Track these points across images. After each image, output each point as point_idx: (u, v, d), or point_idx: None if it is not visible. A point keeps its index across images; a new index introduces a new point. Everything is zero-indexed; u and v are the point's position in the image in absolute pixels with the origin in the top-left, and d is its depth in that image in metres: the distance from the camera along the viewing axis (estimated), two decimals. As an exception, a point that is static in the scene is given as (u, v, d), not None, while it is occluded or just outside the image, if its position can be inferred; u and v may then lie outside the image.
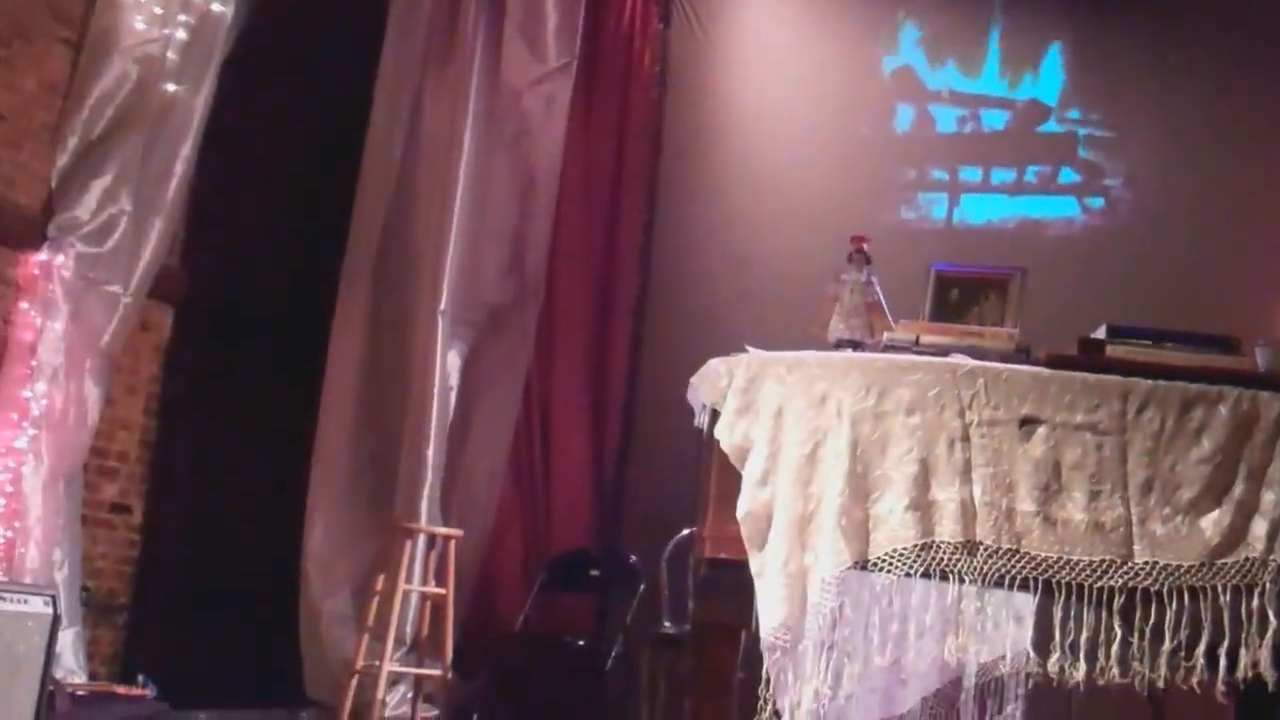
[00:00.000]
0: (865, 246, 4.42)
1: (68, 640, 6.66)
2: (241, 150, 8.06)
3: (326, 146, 8.40)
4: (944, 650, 3.51)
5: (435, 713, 7.33)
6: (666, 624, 6.76)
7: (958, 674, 4.05)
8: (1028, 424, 3.59)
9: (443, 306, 7.83)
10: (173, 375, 7.96)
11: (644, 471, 8.09)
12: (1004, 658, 3.49)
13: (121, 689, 6.81)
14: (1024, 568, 3.49)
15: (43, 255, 6.92)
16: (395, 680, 7.25)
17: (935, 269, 4.39)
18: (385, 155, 8.08)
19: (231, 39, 7.59)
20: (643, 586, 7.03)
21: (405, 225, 8.07)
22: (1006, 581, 3.47)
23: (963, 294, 4.34)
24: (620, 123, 8.64)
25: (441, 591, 7.16)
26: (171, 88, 7.34)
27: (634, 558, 7.19)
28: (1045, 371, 3.70)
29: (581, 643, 7.28)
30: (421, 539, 7.38)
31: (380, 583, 7.08)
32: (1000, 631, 3.48)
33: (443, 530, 7.34)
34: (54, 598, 5.62)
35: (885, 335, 4.13)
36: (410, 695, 7.30)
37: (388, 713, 7.12)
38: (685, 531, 6.36)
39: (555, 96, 8.33)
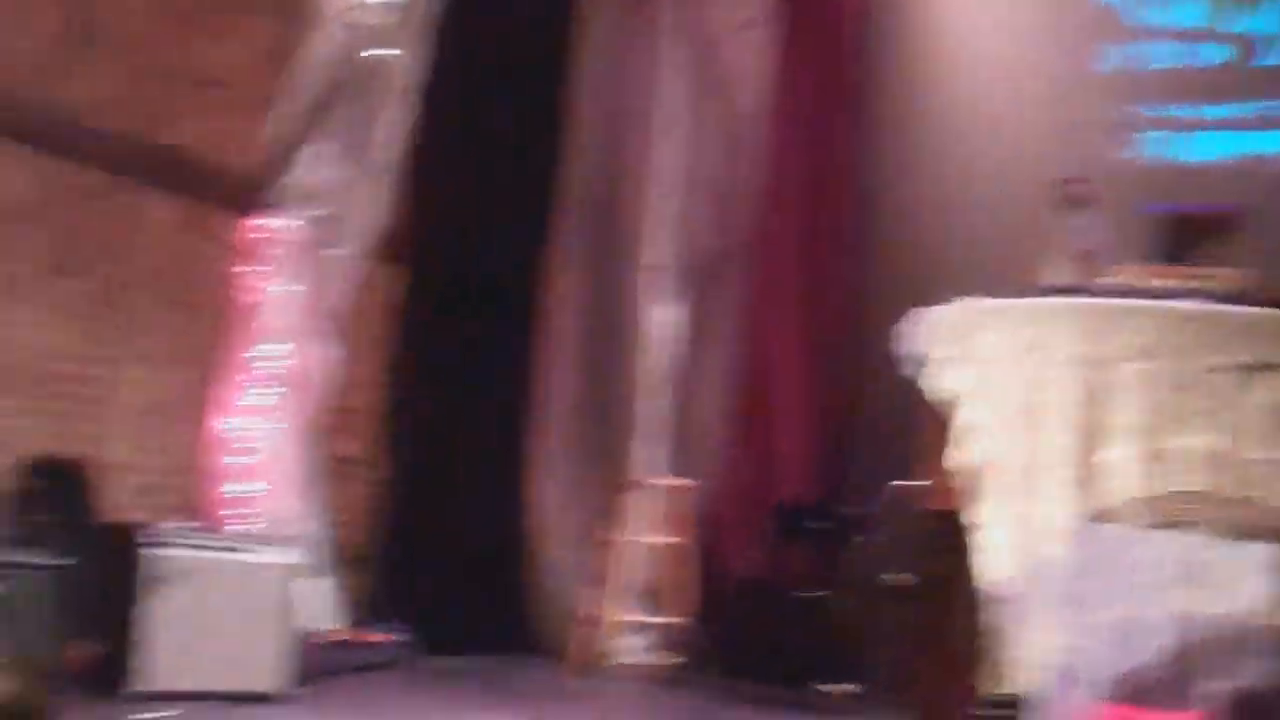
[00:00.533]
0: (1081, 188, 4.31)
1: (315, 589, 6.94)
2: (460, 112, 8.20)
3: (539, 106, 8.50)
4: (1177, 602, 3.45)
5: (670, 661, 7.45)
6: (889, 574, 6.76)
7: (1191, 626, 3.97)
8: (1259, 369, 3.49)
9: (657, 258, 7.89)
10: (402, 333, 8.20)
11: (863, 423, 8.04)
12: (1237, 609, 3.42)
13: (367, 636, 7.07)
14: (1258, 517, 3.41)
15: (268, 219, 7.18)
16: (623, 629, 7.40)
17: (1155, 209, 4.26)
18: (592, 110, 8.16)
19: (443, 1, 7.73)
20: (864, 537, 7.00)
21: (615, 179, 8.16)
22: (1240, 532, 3.39)
23: (1184, 235, 4.21)
24: (827, 63, 8.53)
25: (670, 542, 7.26)
26: (383, 52, 7.50)
27: (855, 508, 7.16)
28: (1275, 313, 3.59)
29: (805, 593, 7.30)
30: (647, 490, 7.48)
31: (608, 532, 7.22)
32: (1234, 583, 3.41)
33: (668, 481, 7.44)
34: (301, 548, 5.85)
35: (1105, 279, 4.02)
36: (639, 644, 7.43)
37: (620, 661, 7.27)
38: (905, 481, 6.32)
39: (760, 40, 8.29)
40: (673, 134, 7.97)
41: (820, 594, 7.26)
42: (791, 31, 8.45)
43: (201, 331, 6.98)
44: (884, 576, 6.67)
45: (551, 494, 7.87)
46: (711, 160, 8.22)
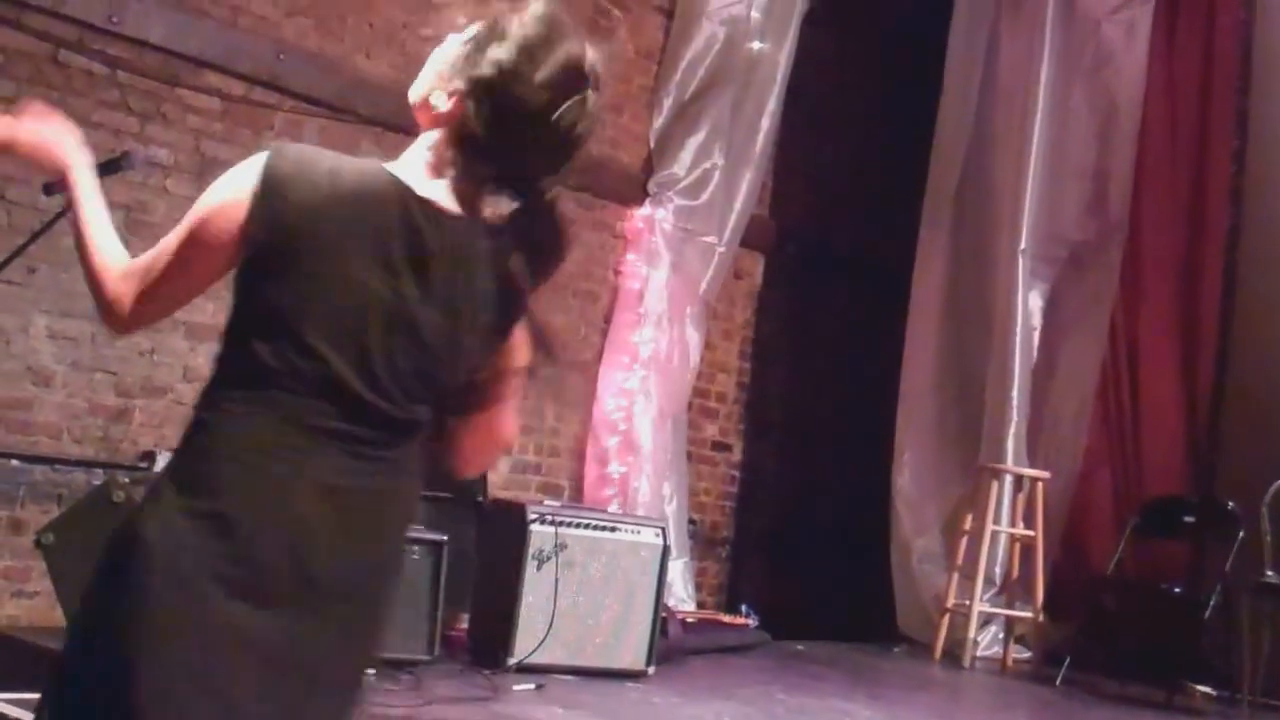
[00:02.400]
0: None
1: (677, 570, 7.15)
2: (821, 99, 8.28)
3: (902, 91, 8.49)
4: None
5: (1027, 655, 7.38)
6: (1269, 573, 6.53)
7: None
8: None
9: (1023, 245, 7.78)
10: (765, 320, 8.34)
11: (1240, 415, 7.72)
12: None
13: (726, 618, 7.22)
14: None
15: (645, 210, 7.44)
16: (986, 620, 7.36)
17: None
18: (962, 95, 8.08)
19: (811, -8, 7.82)
20: (1241, 534, 6.75)
21: (983, 164, 8.05)
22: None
23: None
24: (1205, 46, 8.19)
25: (1030, 534, 7.18)
26: (756, 45, 7.65)
27: (1231, 504, 6.90)
28: None
29: (1177, 589, 7.08)
30: (1008, 480, 7.41)
31: (969, 523, 7.19)
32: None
33: (1030, 471, 7.35)
34: (664, 529, 6.01)
35: None
36: (1001, 636, 7.38)
37: (979, 652, 7.23)
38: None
39: (1136, 22, 8.03)
40: (1045, 115, 7.81)
41: (1192, 590, 7.04)
42: (1169, 13, 8.16)
43: (589, 317, 7.29)
44: (1265, 574, 6.46)
45: (913, 480, 7.86)
46: (1083, 144, 8.03)
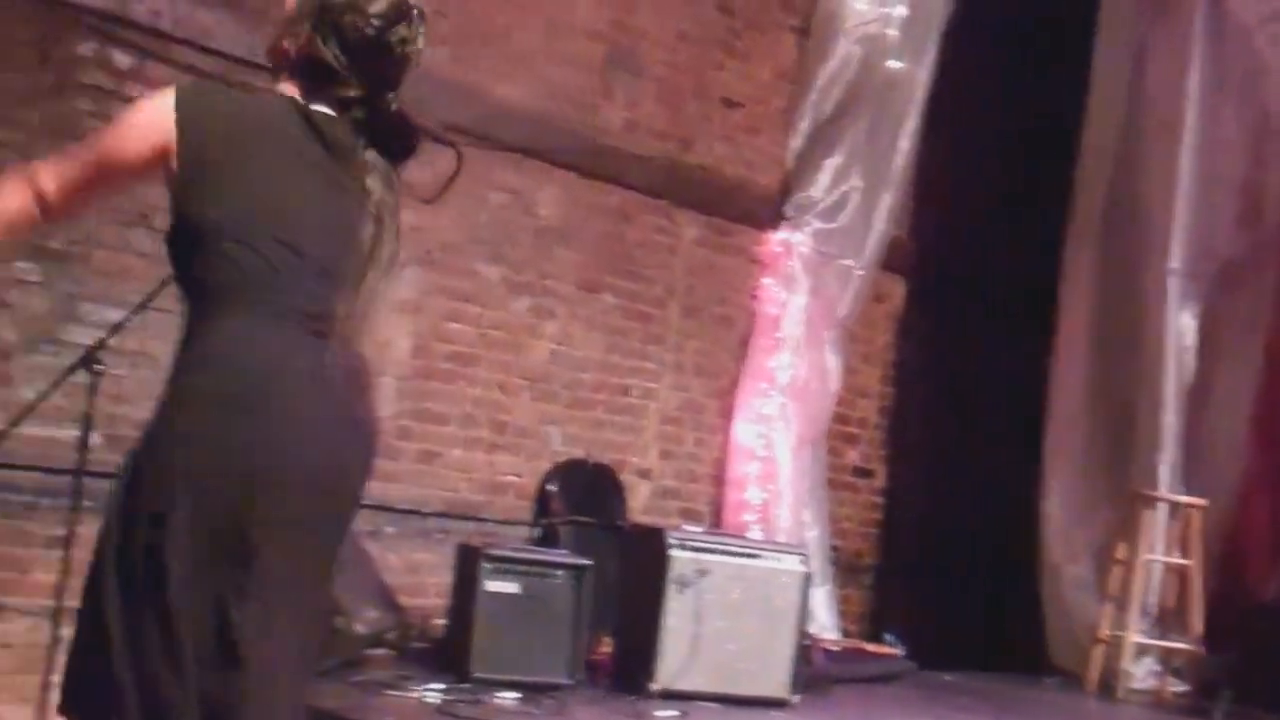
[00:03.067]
0: None
1: (820, 598, 7.05)
2: (962, 118, 8.14)
3: (1045, 108, 8.32)
4: None
5: (1184, 687, 7.13)
6: None
7: None
8: None
9: (1173, 264, 7.57)
10: (906, 343, 8.22)
11: None
12: None
13: (870, 646, 7.11)
14: None
15: (783, 233, 7.37)
16: (1141, 651, 7.12)
17: None
18: (1108, 110, 7.90)
19: (950, 9, 7.69)
20: None
21: (1131, 181, 7.85)
22: None
23: None
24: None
25: (1186, 562, 6.96)
26: (894, 65, 7.54)
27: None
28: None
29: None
30: (1162, 507, 7.19)
31: (1121, 551, 6.99)
32: None
33: (1184, 499, 7.12)
34: (805, 556, 5.91)
35: None
36: (1157, 668, 7.14)
37: (1134, 685, 7.01)
38: None
39: (1289, 31, 7.80)
40: (1194, 128, 7.59)
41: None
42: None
43: (726, 343, 7.24)
44: None
45: (1062, 506, 7.66)
46: (1234, 156, 7.80)
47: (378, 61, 2.72)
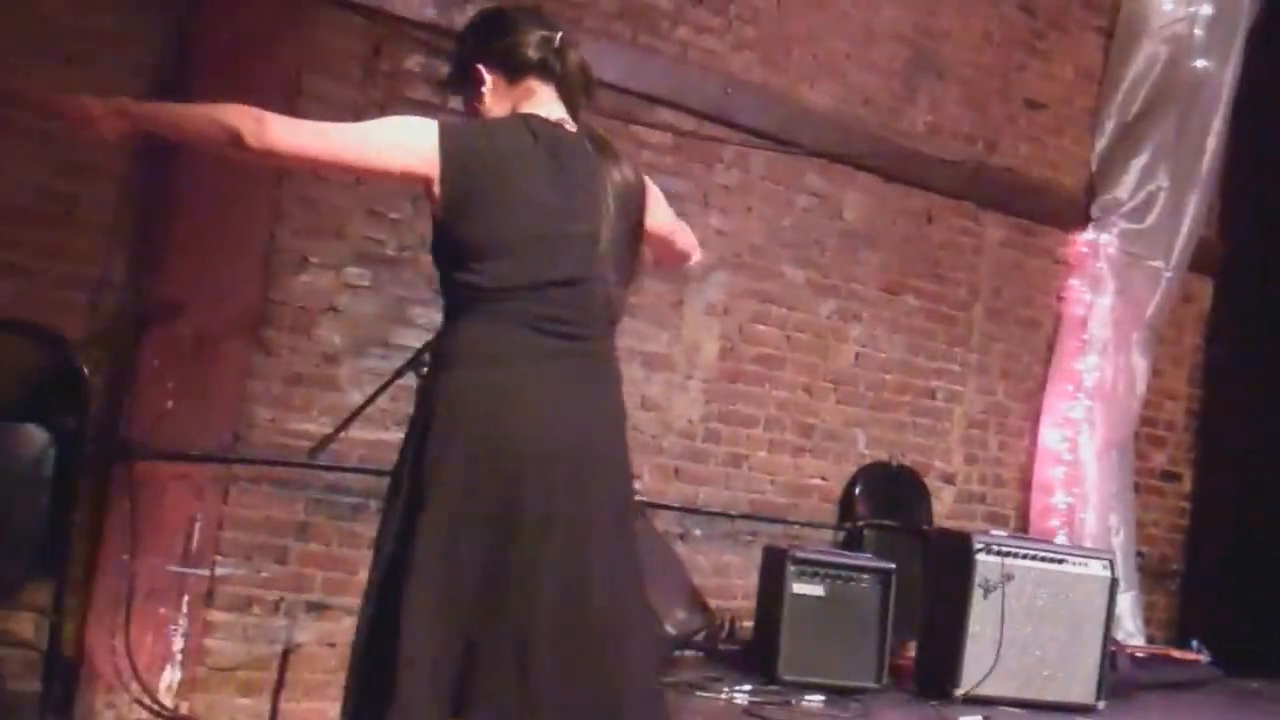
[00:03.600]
0: None
1: (1125, 603, 6.95)
2: (1269, 117, 7.87)
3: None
4: None
5: None
6: None
7: None
8: None
9: None
10: (1214, 345, 8.01)
11: None
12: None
13: (1176, 653, 6.96)
14: None
15: (1089, 234, 7.28)
16: None
17: None
18: None
19: (1256, 8, 7.51)
20: None
21: None
22: None
23: None
24: None
25: None
26: (1200, 63, 7.40)
27: None
28: None
29: None
30: None
31: None
32: None
33: None
34: (1111, 561, 5.84)
35: None
36: None
37: None
38: None
39: None
40: None
41: None
42: None
43: (1031, 345, 7.19)
44: None
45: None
46: None
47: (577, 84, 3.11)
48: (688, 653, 5.32)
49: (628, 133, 5.82)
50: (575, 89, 3.06)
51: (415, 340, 4.81)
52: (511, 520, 2.76)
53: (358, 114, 5.00)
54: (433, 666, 2.69)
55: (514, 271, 2.83)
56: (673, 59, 5.97)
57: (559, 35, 3.05)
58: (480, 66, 3.04)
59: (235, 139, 2.72)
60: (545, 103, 3.02)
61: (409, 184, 2.94)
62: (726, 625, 5.75)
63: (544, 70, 3.03)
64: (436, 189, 2.84)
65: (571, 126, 3.01)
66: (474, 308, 2.85)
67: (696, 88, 6.02)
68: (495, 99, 3.03)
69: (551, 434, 2.81)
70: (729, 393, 6.17)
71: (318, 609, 4.99)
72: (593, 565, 2.80)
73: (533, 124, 2.95)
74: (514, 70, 3.02)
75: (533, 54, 3.02)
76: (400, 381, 4.19)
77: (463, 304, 2.87)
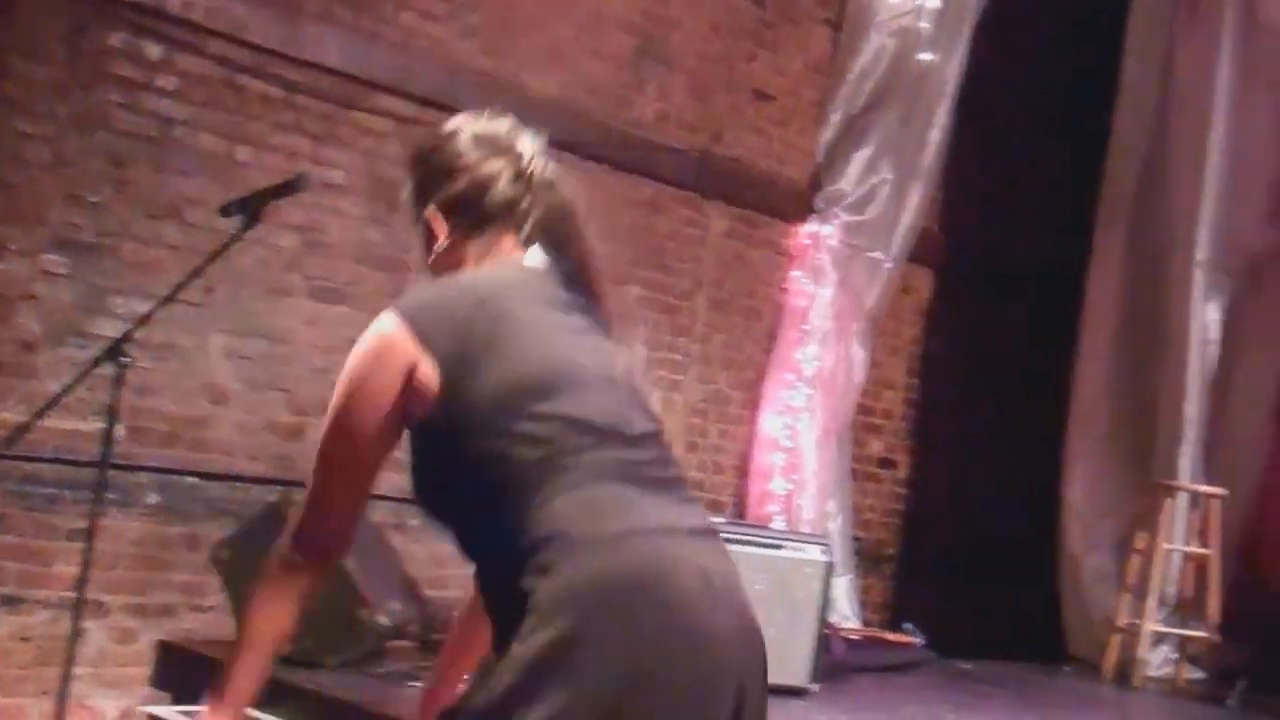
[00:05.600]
0: None
1: (842, 587, 7.14)
2: (993, 111, 8.18)
3: (1075, 101, 8.35)
4: None
5: (1200, 675, 7.21)
6: None
7: None
8: None
9: (1200, 257, 7.59)
10: (933, 335, 8.28)
11: None
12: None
13: (890, 635, 7.15)
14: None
15: (812, 226, 7.43)
16: (1158, 640, 7.19)
17: None
18: (1138, 104, 7.92)
19: (981, 2, 7.69)
20: None
21: (1159, 174, 7.87)
22: None
23: None
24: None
25: (1205, 552, 7.02)
26: (926, 57, 7.56)
27: None
28: None
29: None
30: (1182, 497, 7.25)
31: (1140, 540, 7.05)
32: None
33: (1205, 489, 7.18)
34: (828, 546, 5.97)
35: None
36: (1174, 657, 7.22)
37: (1150, 672, 7.08)
38: None
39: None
40: (1224, 123, 7.60)
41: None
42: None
43: (753, 335, 7.31)
44: None
45: (1084, 496, 7.73)
46: (1264, 150, 7.80)
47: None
48: (402, 643, 5.26)
49: (348, 118, 5.72)
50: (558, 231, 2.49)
51: (113, 330, 4.63)
52: None
53: (63, 96, 4.91)
54: None
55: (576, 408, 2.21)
56: (396, 45, 5.87)
57: (530, 158, 2.49)
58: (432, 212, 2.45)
59: (312, 574, 2.29)
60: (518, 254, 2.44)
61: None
62: (442, 616, 5.70)
63: (511, 215, 2.44)
64: (433, 384, 2.22)
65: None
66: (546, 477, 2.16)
67: (420, 74, 5.92)
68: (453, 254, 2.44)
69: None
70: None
71: (12, 602, 4.85)
72: None
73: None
74: (475, 219, 2.43)
75: (497, 197, 2.43)
76: (98, 371, 4.05)
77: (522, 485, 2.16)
